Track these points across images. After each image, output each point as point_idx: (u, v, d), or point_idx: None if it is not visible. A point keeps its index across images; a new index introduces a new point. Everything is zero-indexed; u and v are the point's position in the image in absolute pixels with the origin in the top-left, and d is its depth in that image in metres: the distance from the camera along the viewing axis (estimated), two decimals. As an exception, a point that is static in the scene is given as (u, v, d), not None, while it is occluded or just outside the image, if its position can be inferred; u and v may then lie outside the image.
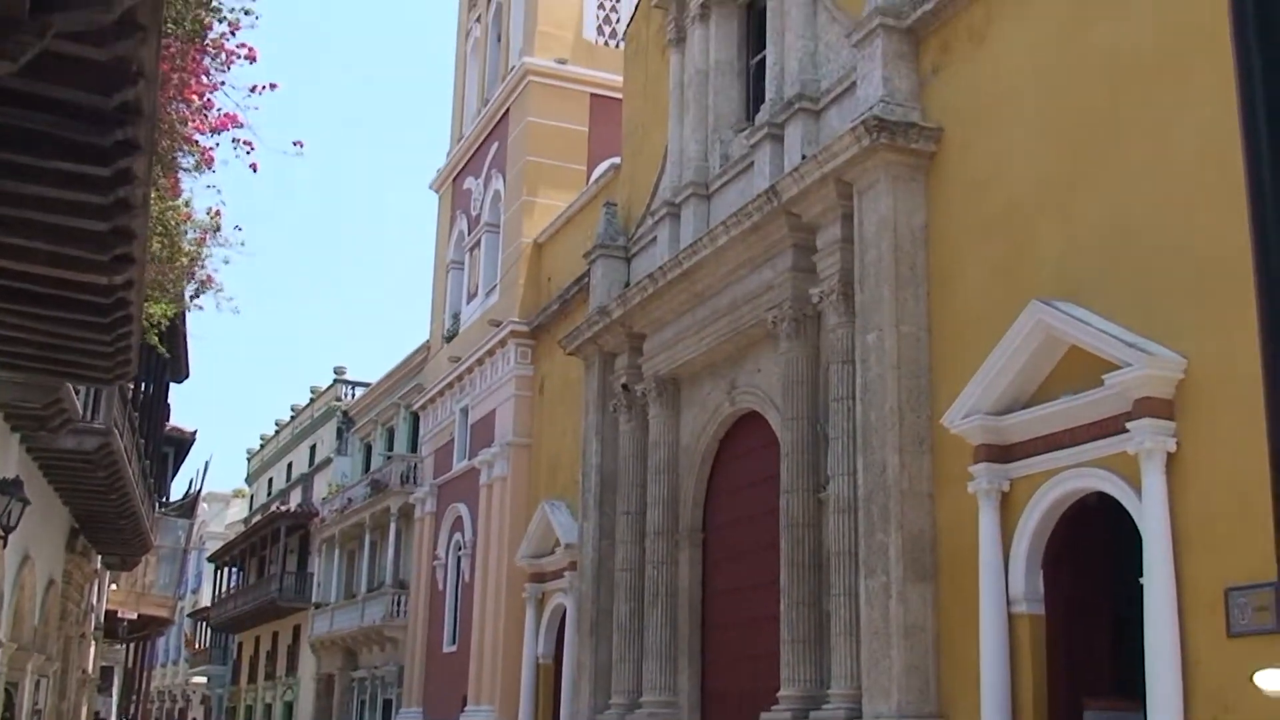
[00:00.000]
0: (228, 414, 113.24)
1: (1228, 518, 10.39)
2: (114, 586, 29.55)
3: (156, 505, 25.62)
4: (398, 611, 33.76)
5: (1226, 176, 10.06)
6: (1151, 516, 10.98)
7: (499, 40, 32.33)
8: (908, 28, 15.03)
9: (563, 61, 29.01)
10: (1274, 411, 2.68)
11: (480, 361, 29.19)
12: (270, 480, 55.19)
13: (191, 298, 11.12)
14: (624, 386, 21.13)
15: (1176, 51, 11.56)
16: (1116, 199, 12.10)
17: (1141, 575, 11.06)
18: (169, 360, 19.27)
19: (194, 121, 8.36)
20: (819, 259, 15.90)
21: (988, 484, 12.73)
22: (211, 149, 8.70)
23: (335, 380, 46.59)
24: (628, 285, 21.52)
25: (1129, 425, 11.18)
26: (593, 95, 29.01)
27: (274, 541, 45.55)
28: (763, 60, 19.05)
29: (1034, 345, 12.37)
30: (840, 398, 15.08)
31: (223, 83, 8.31)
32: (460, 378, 30.50)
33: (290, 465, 51.68)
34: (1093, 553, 12.65)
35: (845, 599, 14.46)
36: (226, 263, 10.70)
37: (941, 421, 13.40)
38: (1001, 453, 12.76)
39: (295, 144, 9.06)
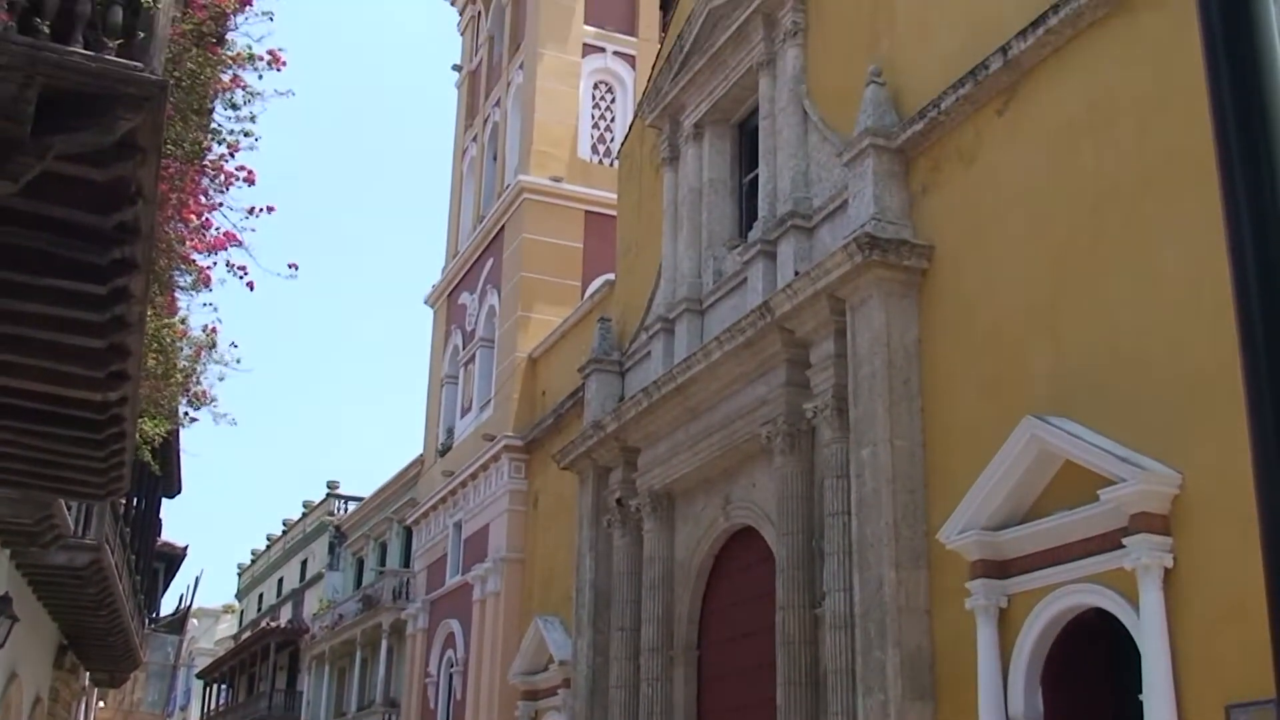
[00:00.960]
0: (219, 528, 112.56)
1: (1227, 633, 10.30)
2: (102, 704, 29.18)
3: (146, 621, 25.37)
4: (389, 731, 33.28)
5: (1214, 295, 10.14)
6: (1150, 633, 10.90)
7: (495, 159, 32.71)
8: (898, 148, 15.25)
9: (558, 179, 29.34)
10: (1269, 526, 2.68)
11: (474, 476, 29.11)
12: (261, 596, 54.71)
13: (186, 413, 11.10)
14: (618, 501, 21.06)
15: (1162, 173, 11.72)
16: (1106, 317, 12.18)
17: (1142, 692, 10.94)
18: (161, 476, 19.20)
19: (192, 241, 8.42)
20: (813, 374, 15.95)
21: (985, 600, 12.64)
22: (209, 268, 8.76)
23: (328, 494, 46.40)
24: (622, 400, 21.54)
25: (1125, 541, 11.14)
26: (587, 212, 29.30)
27: (264, 658, 45.03)
28: (755, 178, 19.29)
29: (1028, 460, 12.36)
30: (835, 513, 15.03)
31: (221, 203, 8.39)
32: (454, 492, 30.39)
33: (281, 580, 51.26)
34: (1092, 669, 12.52)
35: (843, 719, 14.27)
36: (221, 379, 10.70)
37: (938, 537, 13.34)
38: (998, 568, 12.69)
39: (290, 266, 9.11)
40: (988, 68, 13.93)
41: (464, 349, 32.16)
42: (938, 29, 15.24)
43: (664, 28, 28.86)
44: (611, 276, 24.76)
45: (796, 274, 16.35)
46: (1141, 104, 12.14)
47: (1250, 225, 2.81)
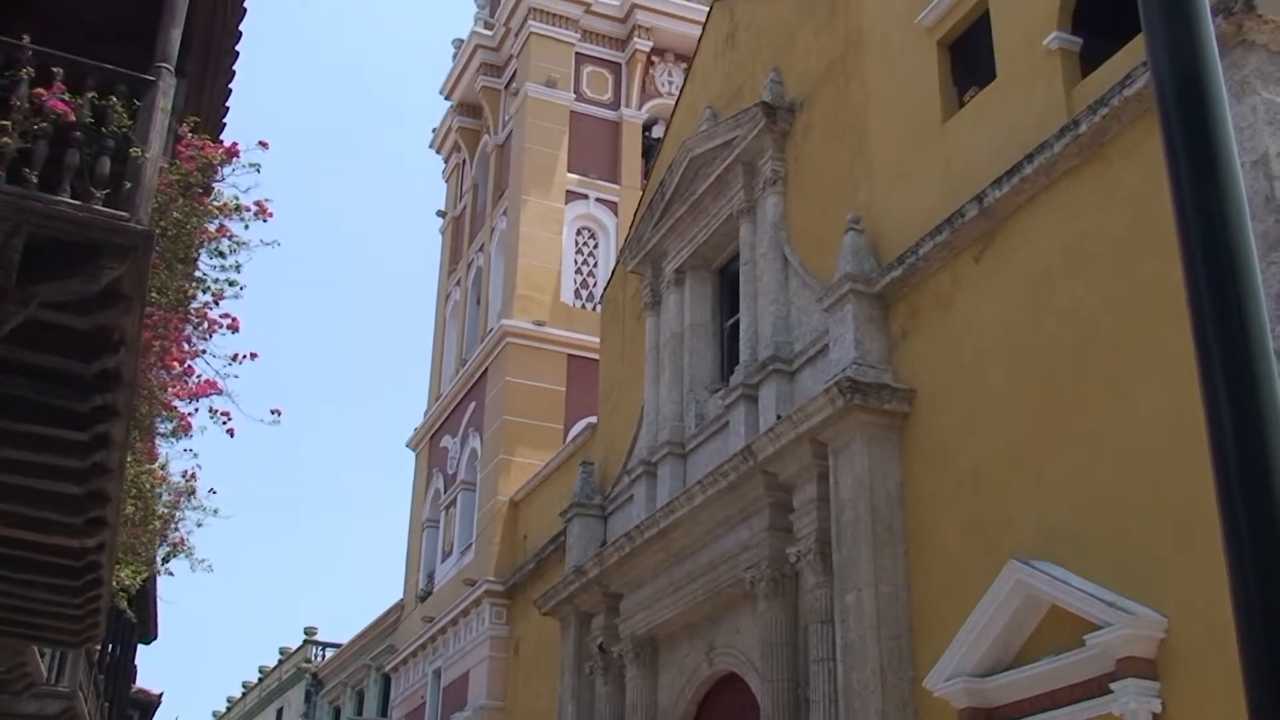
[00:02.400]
0: (194, 674, 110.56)
1: (1218, 783, 10.15)
2: None
3: (118, 774, 24.79)
4: None
5: (1195, 435, 10.17)
6: (1140, 782, 10.74)
7: (478, 303, 32.92)
8: (877, 293, 15.41)
9: (541, 324, 29.50)
10: (1252, 671, 2.67)
11: (454, 622, 28.75)
12: (236, 746, 53.58)
13: (163, 561, 11.00)
14: (600, 648, 20.80)
15: (1139, 316, 11.84)
16: (1087, 459, 12.20)
17: (1134, 845, 10.74)
18: (137, 622, 18.95)
19: (173, 388, 8.43)
20: (796, 518, 15.89)
21: (973, 749, 12.46)
22: (190, 415, 8.75)
23: (305, 641, 45.71)
24: (604, 544, 21.40)
25: (1113, 686, 11.03)
26: (570, 356, 29.40)
27: (238, 811, 43.93)
28: (737, 323, 19.43)
29: (1014, 606, 12.28)
30: (821, 659, 14.86)
31: (204, 350, 8.42)
32: (433, 638, 29.99)
33: (257, 730, 50.24)
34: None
35: None
36: (200, 525, 10.63)
37: (925, 684, 13.19)
38: (987, 715, 12.53)
39: (273, 412, 9.12)
40: (964, 215, 14.15)
41: (445, 492, 32.00)
42: (914, 178, 15.51)
43: (646, 175, 29.32)
44: (594, 420, 24.77)
45: (779, 418, 16.39)
46: (1116, 249, 12.32)
47: (1223, 371, 2.84)
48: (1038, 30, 13.75)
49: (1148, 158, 11.68)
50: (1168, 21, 2.99)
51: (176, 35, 8.03)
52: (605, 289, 25.53)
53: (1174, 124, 2.97)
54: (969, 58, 15.28)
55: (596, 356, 25.72)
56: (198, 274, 8.05)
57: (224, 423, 8.89)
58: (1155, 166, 2.92)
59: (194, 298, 8.07)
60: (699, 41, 23.04)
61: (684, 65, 29.57)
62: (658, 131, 31.15)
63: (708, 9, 23.79)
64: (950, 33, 15.51)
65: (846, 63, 17.48)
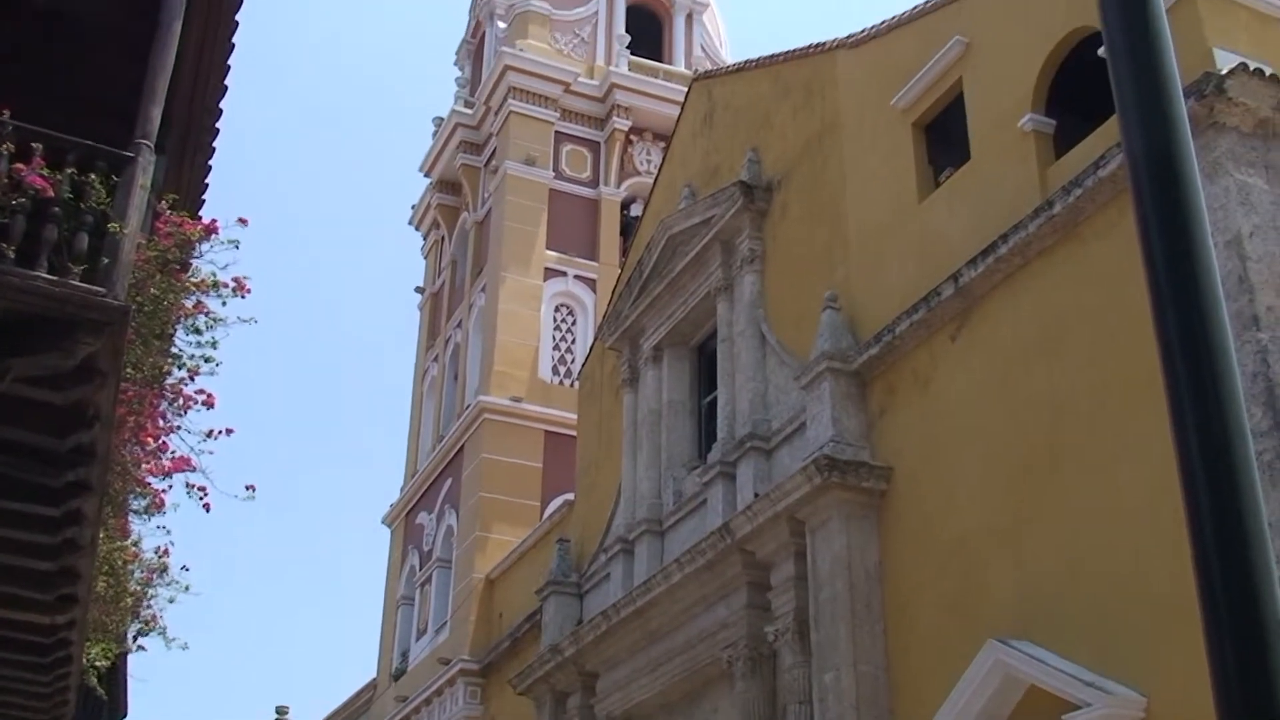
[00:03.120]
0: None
1: None
2: None
3: None
4: None
5: (1173, 513, 10.16)
6: None
7: (455, 379, 32.89)
8: (854, 371, 15.45)
9: (518, 400, 29.45)
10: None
11: (428, 701, 28.42)
12: (206, 829, 52.68)
13: (134, 639, 10.87)
14: (577, 728, 20.57)
15: (1116, 393, 11.89)
16: (1066, 537, 12.19)
17: None
18: (107, 700, 18.68)
19: (147, 464, 8.38)
20: (773, 597, 15.81)
21: (952, 832, 12.32)
22: (164, 492, 8.69)
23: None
24: (580, 623, 21.23)
25: (1093, 768, 10.94)
26: (547, 432, 29.34)
27: None
28: (714, 400, 19.43)
29: (993, 685, 12.21)
30: (798, 740, 14.72)
31: (179, 426, 8.38)
32: (407, 718, 29.63)
33: (227, 812, 49.45)
34: None
35: None
36: (172, 602, 10.52)
37: (902, 765, 13.07)
38: (965, 798, 12.40)
39: (248, 488, 9.07)
40: (940, 294, 14.23)
41: (421, 569, 31.76)
42: (891, 257, 15.62)
43: (624, 253, 29.44)
44: (571, 497, 24.67)
45: (756, 496, 16.36)
46: (1092, 328, 12.39)
47: (1200, 450, 2.85)
48: (1012, 112, 13.93)
49: (1122, 238, 11.79)
50: (1141, 104, 3.03)
51: (157, 112, 8.06)
52: (583, 366, 25.55)
53: (1148, 205, 3.00)
54: (944, 139, 15.46)
55: (574, 433, 25.68)
56: (174, 350, 8.04)
57: (200, 498, 8.83)
58: (1130, 247, 2.95)
59: (169, 373, 8.04)
60: (677, 121, 23.25)
61: (662, 144, 29.82)
62: (636, 209, 31.34)
63: (686, 89, 24.05)
64: (925, 114, 15.69)
65: (823, 143, 17.65)
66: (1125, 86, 3.05)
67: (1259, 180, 11.15)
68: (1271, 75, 11.32)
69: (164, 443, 8.30)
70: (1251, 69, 11.17)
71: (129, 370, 7.26)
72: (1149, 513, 11.17)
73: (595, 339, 24.93)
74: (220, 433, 8.67)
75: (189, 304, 7.90)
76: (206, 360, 8.11)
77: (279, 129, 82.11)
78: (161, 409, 8.15)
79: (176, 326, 7.95)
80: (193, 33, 9.18)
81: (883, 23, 16.88)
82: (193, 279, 7.91)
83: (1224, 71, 11.11)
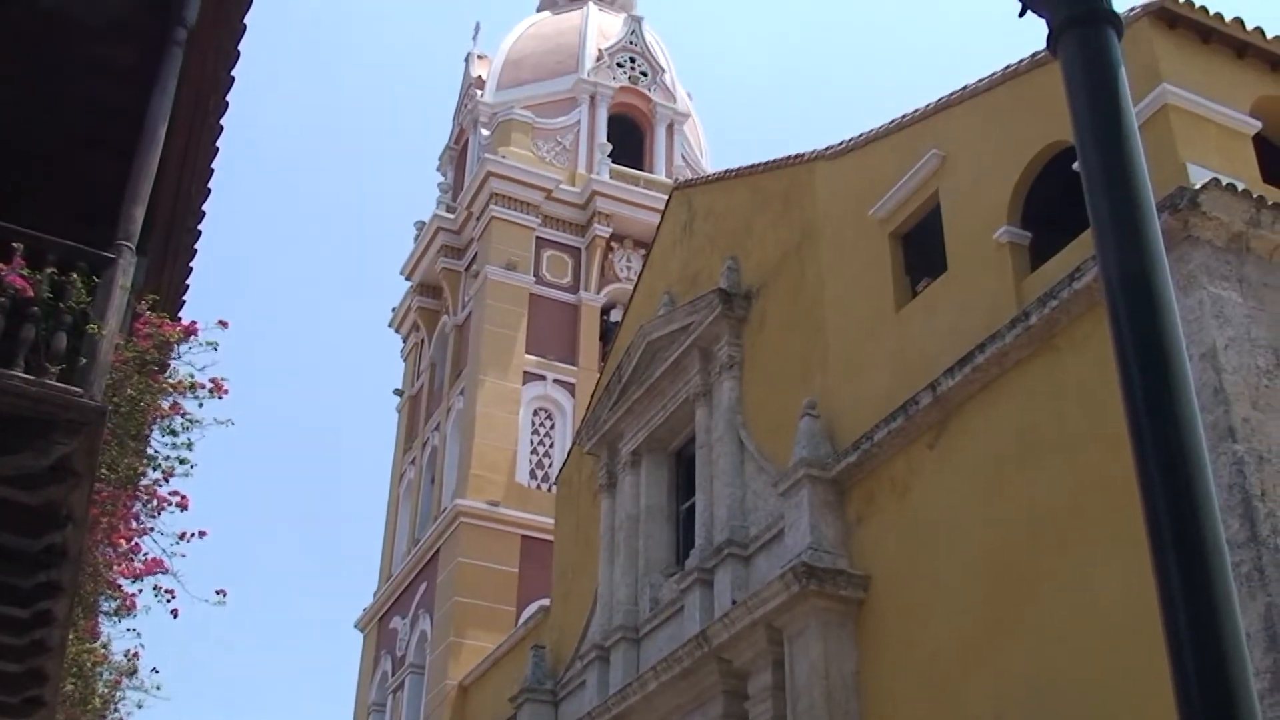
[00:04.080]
0: None
1: None
2: None
3: None
4: None
5: (1151, 624, 10.11)
6: None
7: (432, 482, 32.76)
8: (833, 478, 15.44)
9: (495, 504, 29.32)
10: None
11: (400, 812, 27.92)
12: None
13: (101, 748, 10.66)
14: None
15: (1093, 504, 11.90)
16: (1044, 647, 12.12)
17: None
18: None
19: (119, 566, 8.29)
20: (751, 706, 15.64)
21: None
22: (135, 594, 8.59)
23: (245, 831, 44.25)
24: (555, 732, 20.94)
25: None
26: (524, 537, 29.18)
27: None
28: (692, 506, 19.37)
29: (971, 799, 12.06)
30: None
31: (152, 528, 8.30)
32: (378, 829, 29.08)
33: None
34: None
35: None
36: (140, 706, 10.35)
37: None
38: None
39: (218, 592, 8.97)
40: (918, 403, 14.28)
41: (393, 675, 31.35)
42: (869, 365, 15.69)
43: (603, 358, 29.52)
44: (546, 602, 24.46)
45: (734, 603, 16.24)
46: (1068, 438, 12.42)
47: (1176, 562, 2.85)
48: (988, 224, 14.09)
49: (1098, 349, 11.87)
50: (1115, 220, 3.07)
51: (139, 213, 8.10)
52: (561, 470, 25.47)
53: (1122, 319, 3.03)
54: (921, 249, 15.61)
55: (551, 538, 25.52)
56: (149, 451, 8.00)
57: (169, 601, 8.73)
58: (1105, 358, 2.99)
59: (144, 475, 8.00)
60: (658, 229, 23.45)
61: (643, 251, 30.06)
62: (616, 315, 31.48)
63: (666, 197, 24.29)
64: (903, 225, 15.87)
65: (802, 252, 17.81)
66: (1099, 203, 3.09)
67: (1233, 293, 11.27)
68: (1244, 190, 11.49)
69: (136, 544, 8.23)
70: (1224, 184, 11.35)
71: (104, 471, 7.22)
72: (1127, 626, 11.11)
73: (573, 443, 24.89)
74: (193, 535, 8.60)
75: (166, 405, 7.89)
76: (182, 462, 8.07)
77: (262, 229, 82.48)
78: (135, 510, 8.08)
79: (152, 427, 7.93)
80: (178, 135, 9.26)
81: (860, 135, 17.12)
82: (170, 380, 7.90)
83: (1198, 186, 11.28)
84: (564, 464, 25.26)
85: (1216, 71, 12.70)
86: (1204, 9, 12.66)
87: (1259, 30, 12.92)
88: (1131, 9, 12.56)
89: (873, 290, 15.95)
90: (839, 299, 16.67)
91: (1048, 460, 12.66)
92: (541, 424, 31.53)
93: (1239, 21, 12.83)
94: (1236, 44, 12.88)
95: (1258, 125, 12.63)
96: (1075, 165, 3.23)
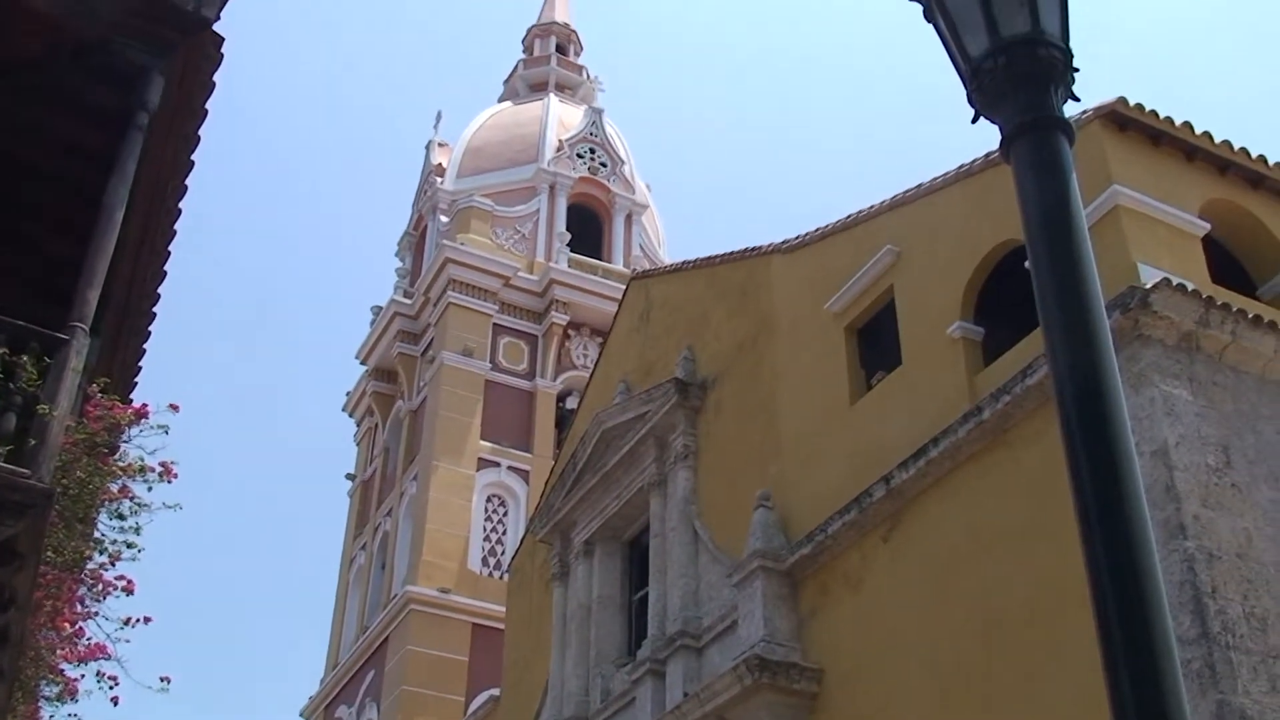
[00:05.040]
0: None
1: None
2: None
3: None
4: None
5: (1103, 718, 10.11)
6: None
7: (383, 568, 32.46)
8: (786, 570, 15.40)
9: (446, 591, 29.07)
10: None
11: None
12: None
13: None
14: None
15: (1044, 600, 11.90)
16: (997, 745, 12.06)
17: None
18: None
19: (62, 650, 8.14)
20: (701, 801, 15.44)
21: None
22: (77, 680, 8.43)
23: None
24: (502, 825, 20.61)
25: None
26: (475, 625, 28.92)
27: None
28: (645, 596, 19.25)
29: None
30: None
31: (96, 613, 8.18)
32: None
33: None
34: None
35: None
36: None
37: None
38: None
39: (162, 679, 8.82)
40: (871, 496, 14.30)
41: (340, 766, 30.83)
42: (823, 458, 15.72)
43: (558, 445, 29.47)
44: (497, 692, 24.17)
45: (685, 696, 16.10)
46: (1021, 534, 12.45)
47: (1126, 662, 2.86)
48: (941, 319, 14.22)
49: (1050, 445, 11.94)
50: (1065, 323, 3.11)
51: (94, 296, 8.06)
52: (513, 558, 25.29)
53: (1072, 419, 3.06)
54: (876, 343, 15.73)
55: (502, 626, 25.28)
56: (96, 534, 7.90)
57: (112, 687, 8.58)
58: (1058, 453, 3.02)
59: (90, 558, 7.89)
60: (615, 317, 23.54)
61: (599, 339, 30.14)
62: (571, 402, 31.49)
63: (624, 287, 24.41)
64: (858, 319, 16.00)
65: (757, 344, 17.90)
66: (1050, 312, 3.13)
67: (1183, 391, 11.39)
68: (1194, 290, 11.67)
69: (80, 628, 8.10)
70: (1175, 284, 11.51)
71: (49, 554, 7.12)
72: (1079, 716, 11.08)
73: (526, 531, 24.75)
74: (138, 620, 8.48)
75: (115, 488, 7.81)
76: (129, 546, 7.97)
77: (217, 310, 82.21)
78: (80, 594, 7.96)
79: (100, 511, 7.84)
80: (135, 217, 9.25)
81: (816, 229, 17.31)
82: (120, 463, 7.83)
83: (1148, 286, 11.44)
84: (516, 552, 25.08)
85: (1167, 174, 12.94)
86: (1154, 113, 12.92)
87: (1208, 135, 13.19)
88: (1084, 112, 12.80)
89: (828, 382, 16.04)
90: (794, 391, 16.74)
91: (1001, 555, 12.68)
92: (495, 511, 31.37)
93: (1188, 126, 13.10)
94: (1186, 147, 13.14)
95: (1207, 227, 12.85)
96: (1028, 263, 3.27)
